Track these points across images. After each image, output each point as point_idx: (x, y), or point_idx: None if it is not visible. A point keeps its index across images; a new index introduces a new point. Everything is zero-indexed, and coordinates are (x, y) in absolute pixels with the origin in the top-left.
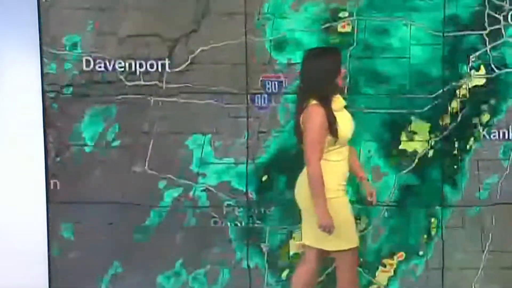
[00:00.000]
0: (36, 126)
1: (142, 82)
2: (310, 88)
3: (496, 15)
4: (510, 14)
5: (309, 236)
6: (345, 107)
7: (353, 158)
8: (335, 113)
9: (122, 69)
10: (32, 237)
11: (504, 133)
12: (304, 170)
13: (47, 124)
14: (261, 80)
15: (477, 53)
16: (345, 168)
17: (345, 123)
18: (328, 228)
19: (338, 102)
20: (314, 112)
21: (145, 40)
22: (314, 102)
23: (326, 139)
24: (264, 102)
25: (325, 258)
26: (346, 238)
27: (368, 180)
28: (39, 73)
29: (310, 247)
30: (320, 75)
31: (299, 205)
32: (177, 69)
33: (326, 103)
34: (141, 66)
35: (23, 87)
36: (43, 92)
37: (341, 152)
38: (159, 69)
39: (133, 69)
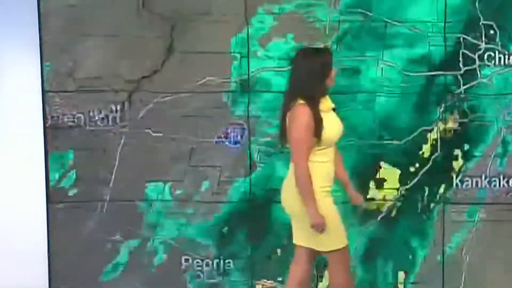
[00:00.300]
0: (36, 126)
1: (101, 127)
2: (298, 88)
3: (471, 55)
4: (486, 54)
5: (300, 236)
6: (334, 109)
7: (337, 160)
8: (322, 114)
9: (81, 114)
10: (32, 237)
11: (477, 182)
12: (289, 174)
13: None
14: (225, 128)
15: (451, 95)
16: (331, 169)
17: (332, 125)
18: (320, 227)
19: (326, 103)
20: (301, 112)
21: (105, 82)
22: (301, 101)
23: (312, 140)
24: (228, 150)
25: (316, 258)
26: (335, 238)
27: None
28: (39, 73)
29: (302, 247)
30: (309, 75)
31: (286, 210)
32: (137, 113)
33: (313, 103)
34: (99, 111)
35: (23, 87)
36: (43, 92)
37: (327, 154)
38: (119, 113)
39: (91, 113)
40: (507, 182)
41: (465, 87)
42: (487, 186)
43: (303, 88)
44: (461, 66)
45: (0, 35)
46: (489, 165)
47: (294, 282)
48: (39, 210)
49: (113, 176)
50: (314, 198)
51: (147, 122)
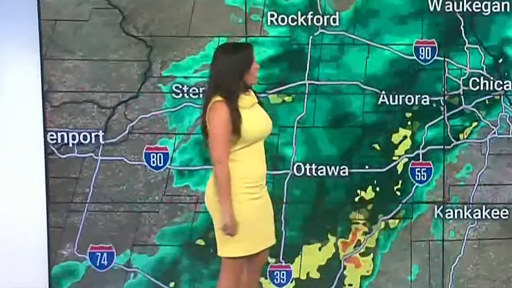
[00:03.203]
0: (36, 126)
1: (76, 154)
2: (217, 85)
3: (455, 79)
4: (471, 79)
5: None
6: (260, 103)
7: None
8: (243, 110)
9: (54, 140)
10: (32, 237)
11: (459, 212)
12: (211, 179)
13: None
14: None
15: (432, 122)
16: (258, 169)
17: (254, 121)
18: (230, 230)
19: (247, 99)
20: (217, 109)
21: (80, 108)
22: (218, 99)
23: (230, 137)
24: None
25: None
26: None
27: None
28: (39, 73)
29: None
30: (228, 71)
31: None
32: (113, 140)
33: (231, 100)
34: (73, 137)
35: (23, 87)
36: (43, 92)
37: (252, 152)
38: (93, 141)
39: (65, 140)
40: (489, 212)
41: (448, 114)
42: (469, 216)
43: (221, 85)
44: (445, 91)
45: (0, 35)
46: (472, 194)
47: None
48: (39, 210)
49: (85, 207)
50: (230, 199)
51: (124, 149)
